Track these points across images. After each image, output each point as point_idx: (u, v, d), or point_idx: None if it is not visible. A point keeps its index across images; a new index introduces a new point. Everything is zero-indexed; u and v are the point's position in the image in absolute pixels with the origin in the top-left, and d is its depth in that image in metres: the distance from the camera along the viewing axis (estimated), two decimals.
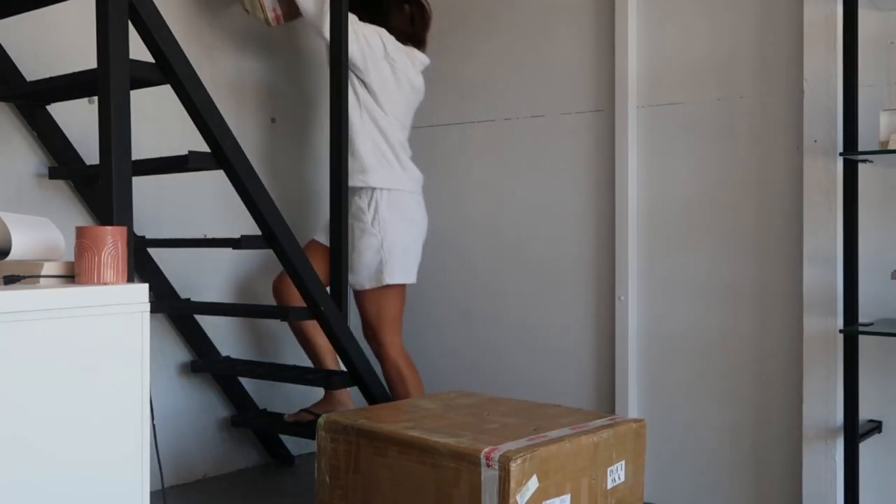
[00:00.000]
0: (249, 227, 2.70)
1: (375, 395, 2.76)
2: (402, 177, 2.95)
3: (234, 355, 3.18)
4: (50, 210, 2.62)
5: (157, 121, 2.84)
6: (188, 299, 2.99)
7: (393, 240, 2.89)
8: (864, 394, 2.45)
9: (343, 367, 2.88)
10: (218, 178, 2.56)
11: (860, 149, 2.39)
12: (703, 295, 2.81)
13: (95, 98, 2.46)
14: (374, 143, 2.88)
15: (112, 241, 1.61)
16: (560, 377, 3.10)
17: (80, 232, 1.61)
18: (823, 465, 2.52)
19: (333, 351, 2.86)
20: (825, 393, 2.52)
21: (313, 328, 2.88)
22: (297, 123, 3.43)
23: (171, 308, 2.94)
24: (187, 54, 2.31)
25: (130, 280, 1.70)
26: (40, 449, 1.49)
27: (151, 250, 2.92)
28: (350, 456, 2.16)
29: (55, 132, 2.70)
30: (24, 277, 1.61)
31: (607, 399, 2.99)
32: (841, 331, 2.43)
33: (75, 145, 2.72)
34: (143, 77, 2.24)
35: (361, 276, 2.88)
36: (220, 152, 2.40)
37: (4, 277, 1.61)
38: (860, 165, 2.42)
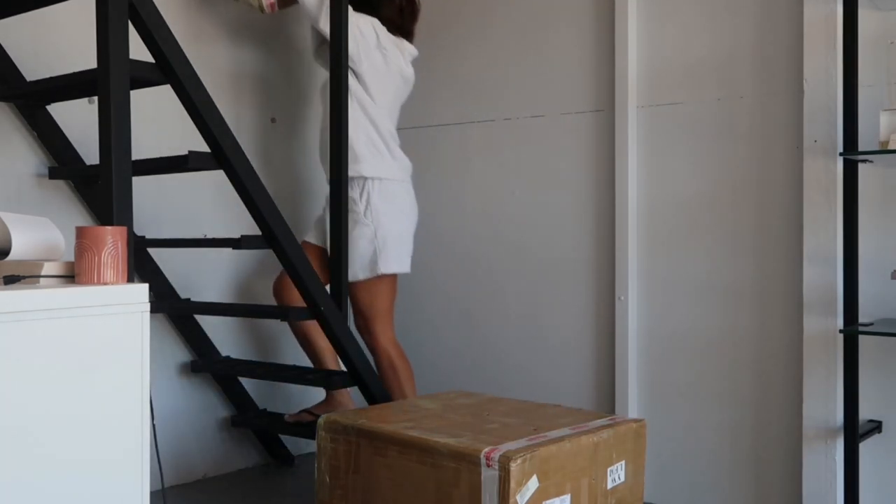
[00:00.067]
0: (249, 227, 2.70)
1: (375, 395, 2.76)
2: (392, 166, 2.95)
3: (234, 355, 3.18)
4: (50, 210, 2.62)
5: (157, 121, 2.84)
6: (188, 299, 2.99)
7: (386, 229, 2.89)
8: (864, 394, 2.45)
9: (343, 368, 2.88)
10: (218, 178, 2.56)
11: (860, 149, 2.39)
12: (703, 295, 2.81)
13: (95, 98, 2.46)
14: (364, 133, 2.88)
15: (112, 241, 1.61)
16: (560, 377, 3.10)
17: (80, 232, 1.61)
18: (823, 465, 2.52)
19: (334, 351, 2.85)
20: (825, 393, 2.52)
21: (314, 329, 2.88)
22: (297, 123, 3.43)
23: (171, 308, 2.94)
24: (187, 54, 2.31)
25: (130, 280, 1.70)
26: (40, 449, 1.49)
27: (151, 250, 2.92)
28: (350, 456, 2.16)
29: (55, 132, 2.70)
30: (24, 277, 1.61)
31: (607, 399, 2.99)
32: (841, 331, 2.43)
33: (75, 145, 2.72)
34: (143, 77, 2.24)
35: (355, 266, 2.87)
36: (220, 152, 2.39)
37: (4, 277, 1.61)
38: (860, 165, 2.42)
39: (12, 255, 1.67)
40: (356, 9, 2.90)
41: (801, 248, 2.58)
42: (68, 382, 1.53)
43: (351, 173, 2.86)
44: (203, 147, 2.42)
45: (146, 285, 1.65)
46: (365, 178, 2.87)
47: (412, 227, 3.03)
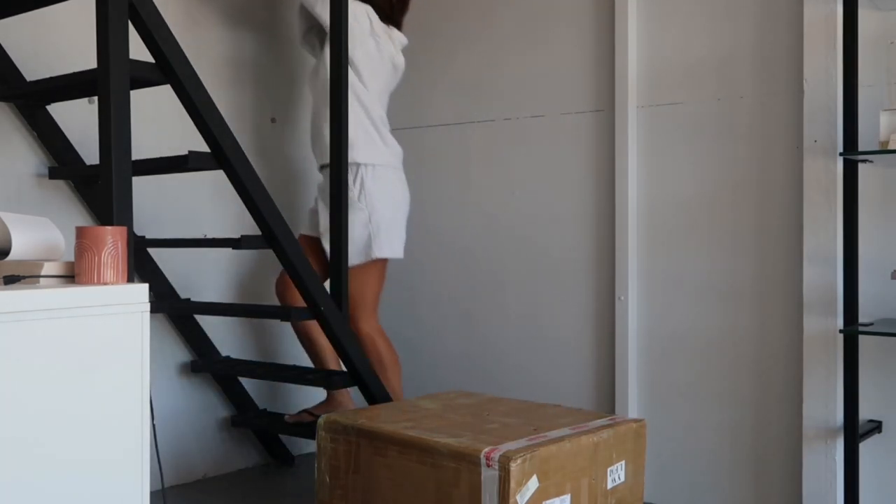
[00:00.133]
0: (249, 227, 2.70)
1: (375, 395, 2.75)
2: (384, 152, 2.96)
3: (234, 355, 3.18)
4: (50, 210, 2.62)
5: (157, 121, 2.84)
6: (188, 299, 2.99)
7: (380, 213, 2.90)
8: (864, 394, 2.45)
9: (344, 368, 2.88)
10: (218, 178, 2.56)
11: (860, 149, 2.39)
12: (703, 295, 2.81)
13: (95, 98, 2.46)
14: (357, 119, 2.88)
15: (112, 241, 1.61)
16: (560, 377, 3.10)
17: (80, 232, 1.61)
18: (823, 465, 2.52)
19: (335, 351, 2.85)
20: (825, 393, 2.52)
21: (315, 328, 2.88)
22: (297, 123, 3.43)
23: (171, 308, 2.94)
24: (186, 54, 2.31)
25: (130, 280, 1.70)
26: (40, 449, 1.49)
27: (151, 250, 2.92)
28: (350, 456, 2.16)
29: (55, 132, 2.70)
30: (24, 277, 1.61)
31: (607, 399, 2.99)
32: (841, 331, 2.43)
33: (75, 145, 2.72)
34: (143, 77, 2.24)
35: (349, 251, 2.86)
36: (220, 152, 2.39)
37: (4, 277, 1.61)
38: (860, 165, 2.42)
39: (12, 255, 1.67)
40: None
41: (801, 248, 2.58)
42: (68, 382, 1.53)
43: None
44: (203, 147, 2.42)
45: (146, 285, 1.65)
46: (358, 165, 2.88)
47: (405, 213, 3.03)
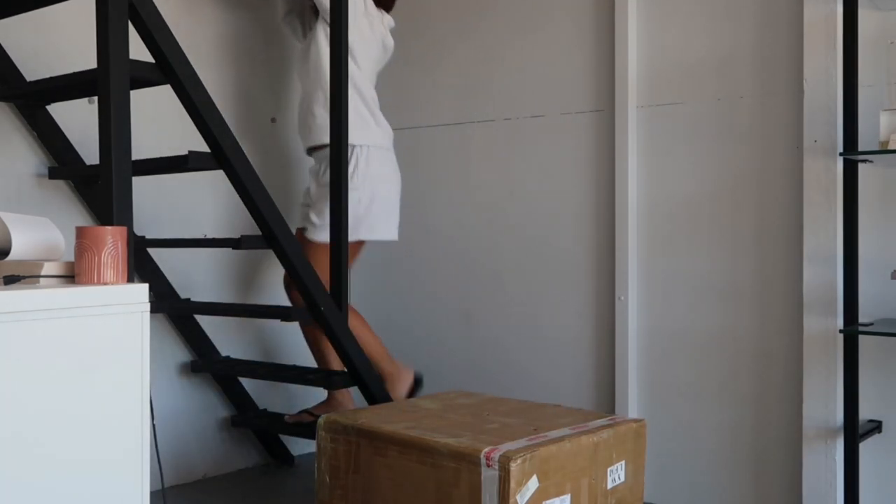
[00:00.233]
0: (249, 227, 2.70)
1: (375, 395, 2.76)
2: (377, 133, 2.97)
3: (234, 355, 3.18)
4: (50, 210, 2.62)
5: (157, 121, 2.84)
6: (188, 299, 2.99)
7: (373, 195, 2.90)
8: (864, 394, 2.45)
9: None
10: (218, 178, 2.56)
11: (860, 149, 2.39)
12: (703, 295, 2.81)
13: (95, 98, 2.46)
14: (351, 101, 2.88)
15: (112, 241, 1.61)
16: (560, 377, 3.10)
17: (80, 232, 1.61)
18: (823, 465, 2.52)
19: None
20: (825, 393, 2.52)
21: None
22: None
23: (171, 308, 2.94)
24: (187, 54, 2.31)
25: (130, 280, 1.70)
26: (40, 449, 1.49)
27: (151, 250, 2.92)
28: (350, 456, 2.16)
29: (55, 132, 2.70)
30: (24, 277, 1.61)
31: (607, 399, 2.99)
32: (841, 331, 2.43)
33: (75, 145, 2.72)
34: (143, 77, 2.24)
35: None
36: (220, 152, 2.40)
37: (4, 277, 1.61)
38: (860, 165, 2.42)
39: (12, 255, 1.67)
40: None
41: (801, 248, 2.58)
42: (68, 382, 1.53)
43: None
44: (203, 147, 2.42)
45: (146, 285, 1.65)
46: (353, 146, 2.88)
47: (397, 194, 3.04)
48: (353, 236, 2.87)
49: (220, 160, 2.42)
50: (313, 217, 2.94)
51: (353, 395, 3.06)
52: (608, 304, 2.99)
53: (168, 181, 2.94)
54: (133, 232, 2.20)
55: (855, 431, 2.38)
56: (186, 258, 3.06)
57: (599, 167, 3.02)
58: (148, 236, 2.88)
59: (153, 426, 1.68)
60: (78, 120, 2.72)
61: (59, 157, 2.71)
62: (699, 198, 2.82)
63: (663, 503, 2.84)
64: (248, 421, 3.13)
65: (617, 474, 2.14)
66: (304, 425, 2.92)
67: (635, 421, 2.25)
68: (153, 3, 2.20)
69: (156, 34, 2.21)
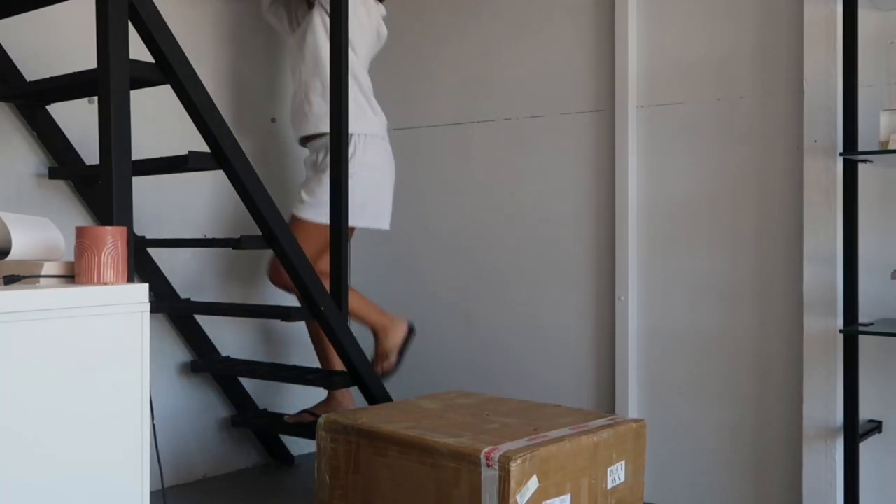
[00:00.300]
0: (249, 227, 2.70)
1: (375, 395, 2.76)
2: (374, 122, 2.97)
3: (234, 355, 3.18)
4: (50, 210, 2.62)
5: (157, 121, 2.84)
6: (188, 299, 2.99)
7: (367, 182, 2.90)
8: (864, 394, 2.45)
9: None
10: (218, 178, 2.56)
11: (860, 149, 2.39)
12: (703, 295, 2.81)
13: (95, 98, 2.46)
14: (349, 90, 2.87)
15: (112, 241, 1.61)
16: (560, 377, 3.10)
17: (80, 232, 1.61)
18: (823, 465, 2.52)
19: None
20: (825, 393, 2.52)
21: None
22: None
23: (171, 308, 2.94)
24: (187, 55, 2.31)
25: (130, 280, 1.70)
26: (40, 448, 1.49)
27: (151, 250, 2.92)
28: (350, 456, 2.16)
29: (55, 132, 2.70)
30: (24, 277, 1.61)
31: (607, 399, 2.99)
32: (841, 331, 2.43)
33: (75, 145, 2.72)
34: (143, 77, 2.24)
35: (325, 209, 2.81)
36: (220, 152, 2.39)
37: (4, 277, 1.61)
38: (860, 165, 2.42)
39: (12, 255, 1.67)
40: None
41: (801, 248, 2.58)
42: (68, 382, 1.53)
43: None
44: (203, 147, 2.42)
45: (146, 285, 1.65)
46: (350, 135, 2.87)
47: (391, 183, 3.04)
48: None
49: (220, 160, 2.42)
50: (303, 194, 2.94)
51: (353, 395, 3.06)
52: (608, 304, 2.99)
53: (168, 181, 2.94)
54: (133, 232, 2.20)
55: (855, 431, 2.38)
56: (186, 258, 3.06)
57: (599, 167, 3.02)
58: (148, 236, 2.87)
59: (153, 426, 1.68)
60: (78, 120, 2.72)
61: (59, 157, 2.71)
62: (699, 198, 2.82)
63: (663, 503, 2.84)
64: (248, 421, 3.13)
65: (617, 474, 2.14)
66: (304, 425, 2.92)
67: (635, 421, 2.25)
68: (153, 3, 2.20)
69: (156, 34, 2.21)
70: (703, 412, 2.80)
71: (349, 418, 2.22)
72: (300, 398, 3.32)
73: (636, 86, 2.92)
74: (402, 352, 3.03)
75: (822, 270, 2.53)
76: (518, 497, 1.87)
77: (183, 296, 3.01)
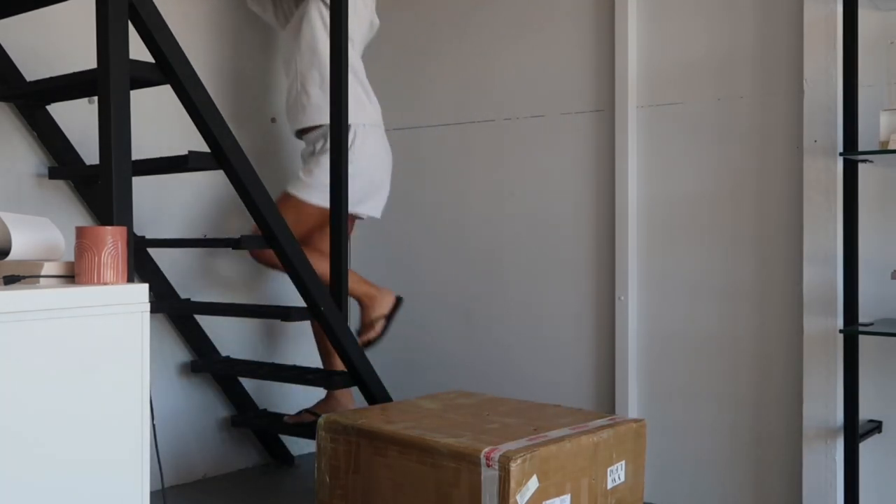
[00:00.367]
0: (249, 227, 2.70)
1: (375, 395, 2.76)
2: (371, 111, 2.98)
3: (234, 355, 3.18)
4: (50, 210, 2.62)
5: (157, 121, 2.84)
6: (188, 299, 2.99)
7: (363, 171, 2.89)
8: (864, 394, 2.45)
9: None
10: (218, 178, 2.56)
11: (860, 149, 2.39)
12: (703, 295, 2.81)
13: (95, 98, 2.46)
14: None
15: (112, 241, 1.61)
16: (560, 377, 3.10)
17: (80, 232, 1.61)
18: (823, 465, 2.52)
19: None
20: (825, 393, 2.52)
21: None
22: None
23: (171, 308, 2.94)
24: (187, 54, 2.31)
25: (130, 280, 1.70)
26: (40, 449, 1.49)
27: (151, 250, 2.92)
28: (350, 456, 2.16)
29: (55, 132, 2.70)
30: (24, 277, 1.61)
31: (607, 399, 2.99)
32: (841, 331, 2.43)
33: (75, 145, 2.72)
34: (143, 77, 2.24)
35: (318, 191, 2.83)
36: (220, 152, 2.39)
37: (4, 277, 1.61)
38: (860, 165, 2.42)
39: (12, 255, 1.67)
40: None
41: (801, 248, 2.58)
42: (68, 382, 1.53)
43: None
44: (203, 147, 2.42)
45: (146, 285, 1.65)
46: (349, 125, 2.87)
47: (387, 172, 3.04)
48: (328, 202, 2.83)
49: (220, 160, 2.42)
50: (301, 174, 2.93)
51: (353, 395, 3.06)
52: (608, 304, 2.99)
53: (168, 181, 2.94)
54: (133, 232, 2.20)
55: (855, 431, 2.38)
56: (186, 258, 3.06)
57: (599, 167, 3.02)
58: (148, 236, 2.87)
59: (153, 426, 1.68)
60: (78, 120, 2.72)
61: (59, 157, 2.71)
62: (699, 198, 2.82)
63: (663, 503, 2.84)
64: (248, 421, 3.13)
65: (617, 474, 2.14)
66: (304, 425, 2.92)
67: (635, 421, 2.25)
68: (153, 3, 2.20)
69: (156, 34, 2.21)
70: (704, 412, 2.80)
71: (349, 418, 2.22)
72: (300, 398, 3.32)
73: (636, 86, 2.92)
74: (389, 318, 3.02)
75: (822, 270, 2.53)
76: (518, 497, 1.87)
77: (183, 296, 3.01)
